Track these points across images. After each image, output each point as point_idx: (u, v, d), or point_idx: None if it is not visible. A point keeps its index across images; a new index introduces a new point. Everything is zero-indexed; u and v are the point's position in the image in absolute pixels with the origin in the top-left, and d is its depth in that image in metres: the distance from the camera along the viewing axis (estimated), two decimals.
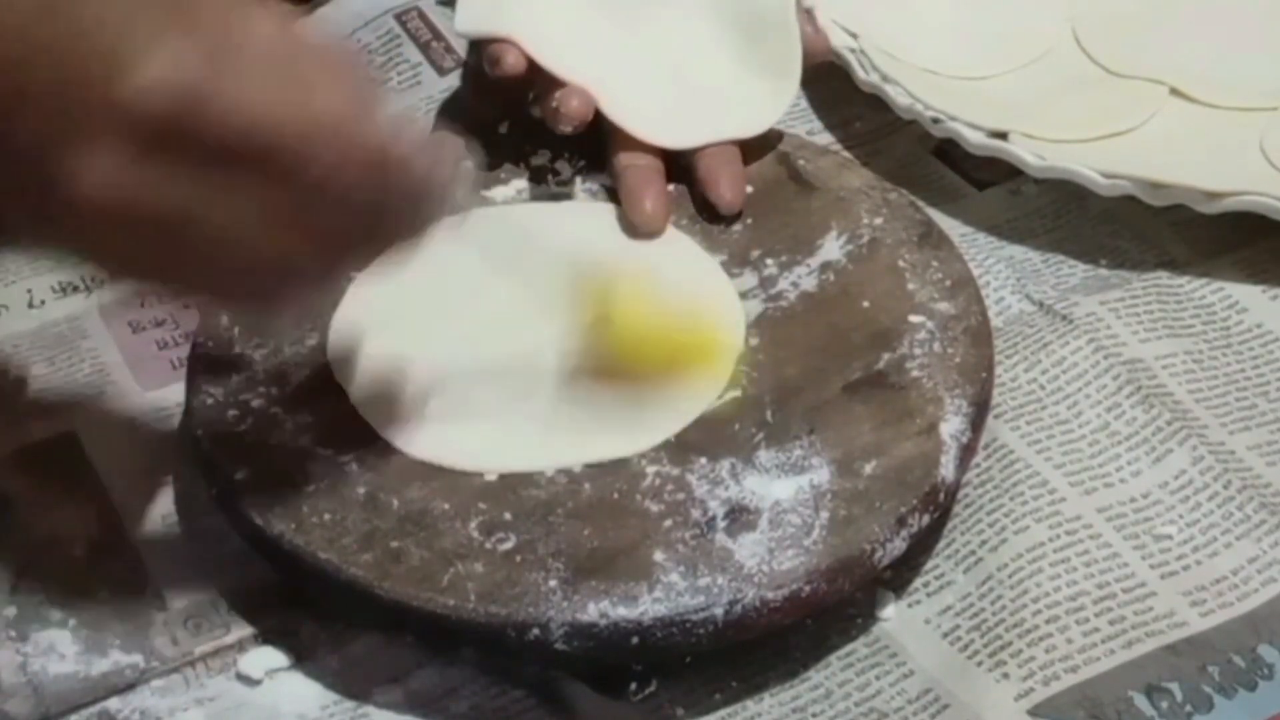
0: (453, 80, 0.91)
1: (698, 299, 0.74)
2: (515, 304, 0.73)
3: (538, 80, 0.79)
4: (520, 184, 0.80)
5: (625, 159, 0.79)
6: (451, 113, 0.89)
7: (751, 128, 0.80)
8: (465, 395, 0.70)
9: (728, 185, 0.78)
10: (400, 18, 0.95)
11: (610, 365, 0.71)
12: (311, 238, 0.57)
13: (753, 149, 0.80)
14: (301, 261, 0.58)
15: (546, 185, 0.80)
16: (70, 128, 0.54)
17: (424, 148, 0.60)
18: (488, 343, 0.72)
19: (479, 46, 0.81)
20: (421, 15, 0.95)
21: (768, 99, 0.81)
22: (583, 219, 0.79)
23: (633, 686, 0.66)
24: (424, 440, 0.68)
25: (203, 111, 0.54)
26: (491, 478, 0.67)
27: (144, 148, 0.54)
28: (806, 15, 0.81)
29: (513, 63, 0.78)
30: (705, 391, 0.70)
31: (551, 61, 0.78)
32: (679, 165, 0.79)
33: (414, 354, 0.72)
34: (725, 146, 0.79)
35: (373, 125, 0.57)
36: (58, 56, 0.54)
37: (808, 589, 0.64)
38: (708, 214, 0.78)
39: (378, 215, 0.58)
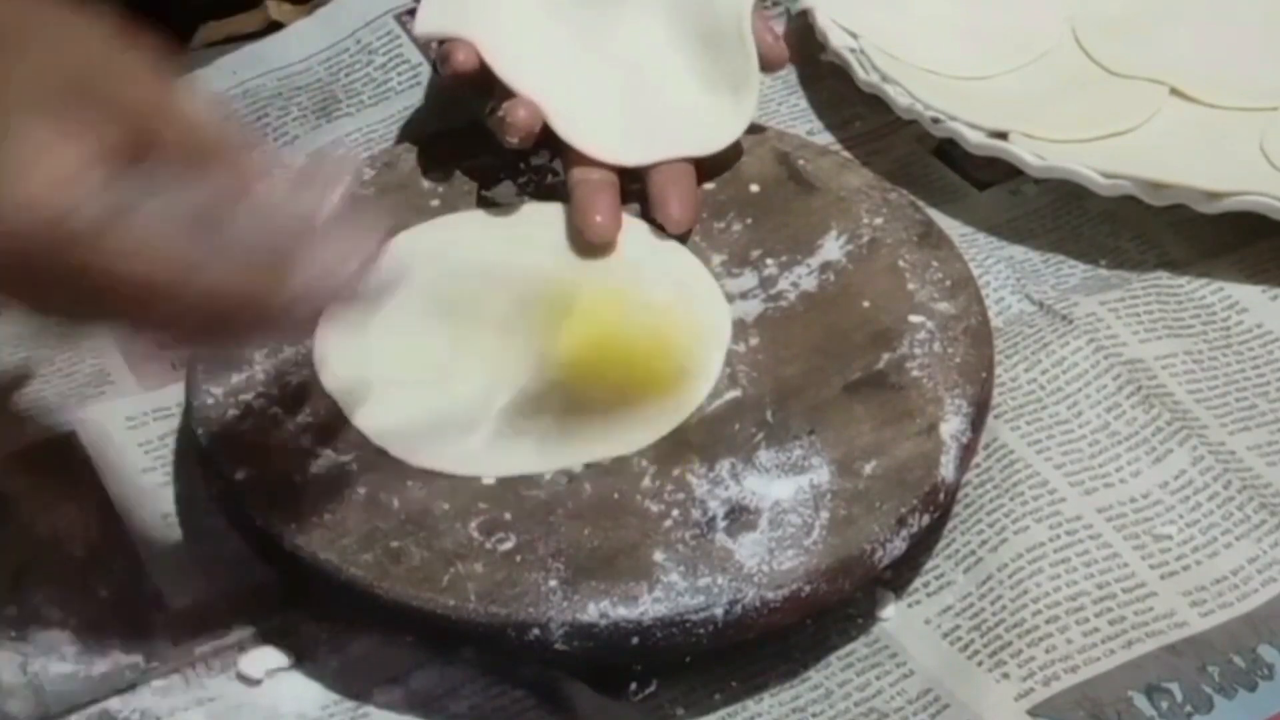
0: None
1: (677, 314, 0.73)
2: (511, 307, 0.73)
3: (496, 90, 0.78)
4: (520, 184, 0.80)
5: (579, 174, 0.77)
6: (425, 122, 0.88)
7: (709, 145, 0.79)
8: (462, 400, 0.70)
9: (677, 204, 0.76)
10: (400, 18, 0.94)
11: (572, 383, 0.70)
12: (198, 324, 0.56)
13: (752, 149, 0.80)
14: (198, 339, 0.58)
15: (546, 185, 0.79)
16: None
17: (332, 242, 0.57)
18: (484, 346, 0.72)
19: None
20: None
21: (728, 114, 0.79)
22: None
23: (633, 686, 0.66)
24: (421, 449, 0.68)
25: (77, 252, 0.51)
26: (490, 480, 0.67)
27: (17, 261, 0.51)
28: (765, 25, 0.80)
29: (462, 59, 0.77)
30: (701, 390, 0.70)
31: (505, 69, 0.77)
32: (631, 187, 0.77)
33: (410, 357, 0.72)
34: (678, 164, 0.77)
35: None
36: None
37: (808, 589, 0.64)
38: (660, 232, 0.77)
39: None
